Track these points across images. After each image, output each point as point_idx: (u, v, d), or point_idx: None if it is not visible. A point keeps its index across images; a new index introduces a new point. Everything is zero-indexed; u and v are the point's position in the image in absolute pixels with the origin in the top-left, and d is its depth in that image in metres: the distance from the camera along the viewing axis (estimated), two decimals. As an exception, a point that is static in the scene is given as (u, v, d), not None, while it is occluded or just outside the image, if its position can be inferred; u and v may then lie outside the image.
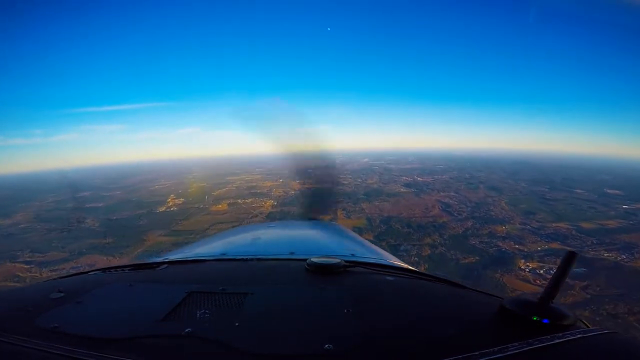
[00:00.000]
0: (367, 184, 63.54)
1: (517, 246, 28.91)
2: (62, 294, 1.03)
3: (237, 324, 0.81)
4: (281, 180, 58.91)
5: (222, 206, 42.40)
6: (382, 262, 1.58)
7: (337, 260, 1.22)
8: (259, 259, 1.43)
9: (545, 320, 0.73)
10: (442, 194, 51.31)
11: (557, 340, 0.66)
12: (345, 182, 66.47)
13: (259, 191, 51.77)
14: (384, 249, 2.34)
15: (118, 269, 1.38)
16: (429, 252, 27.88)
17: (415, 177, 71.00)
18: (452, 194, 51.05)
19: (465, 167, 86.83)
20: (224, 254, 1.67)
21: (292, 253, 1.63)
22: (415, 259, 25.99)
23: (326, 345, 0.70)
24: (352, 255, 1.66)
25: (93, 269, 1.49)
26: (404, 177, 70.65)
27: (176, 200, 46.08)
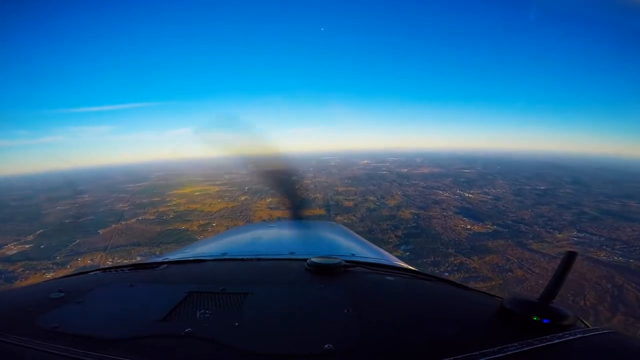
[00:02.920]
0: (390, 207, 34.75)
1: None
2: (62, 294, 1.02)
3: (237, 324, 0.80)
4: (244, 197, 43.00)
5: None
6: (382, 262, 1.55)
7: (337, 260, 1.20)
8: (259, 259, 1.41)
9: (545, 320, 0.72)
10: (565, 233, 25.06)
11: (557, 340, 0.65)
12: (349, 203, 36.83)
13: (195, 221, 33.45)
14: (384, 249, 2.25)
15: (118, 269, 1.36)
16: None
17: (458, 191, 43.18)
18: (585, 234, 25.11)
19: (503, 172, 62.20)
20: (224, 254, 1.64)
21: (292, 253, 1.60)
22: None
23: (326, 345, 0.69)
24: (352, 255, 1.64)
25: (93, 269, 1.47)
26: (441, 192, 42.81)
27: (22, 247, 28.87)
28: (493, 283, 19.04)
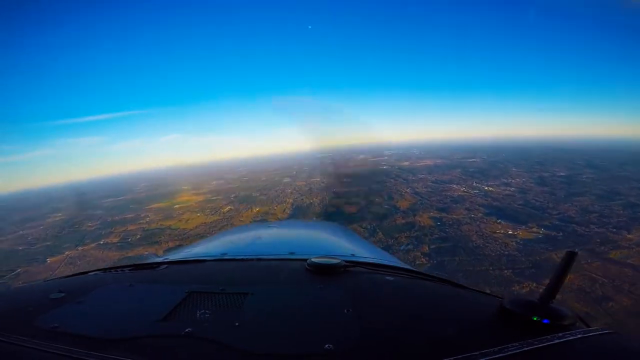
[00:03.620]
0: (403, 212, 29.18)
1: None
2: (62, 294, 1.02)
3: (237, 324, 0.80)
4: (228, 208, 38.01)
5: None
6: (382, 262, 1.54)
7: (337, 261, 1.20)
8: (259, 259, 1.41)
9: (545, 320, 0.72)
10: (635, 232, 20.11)
11: (557, 340, 0.65)
12: (352, 208, 30.52)
13: (163, 243, 27.69)
14: (384, 249, 2.29)
15: (118, 269, 1.36)
16: None
17: (474, 184, 37.73)
18: None
19: (511, 159, 57.52)
20: (224, 254, 1.63)
21: (292, 253, 1.58)
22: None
23: (326, 345, 0.69)
24: (352, 255, 1.62)
25: (93, 269, 1.47)
26: (455, 186, 37.44)
27: None
28: (598, 323, 13.10)
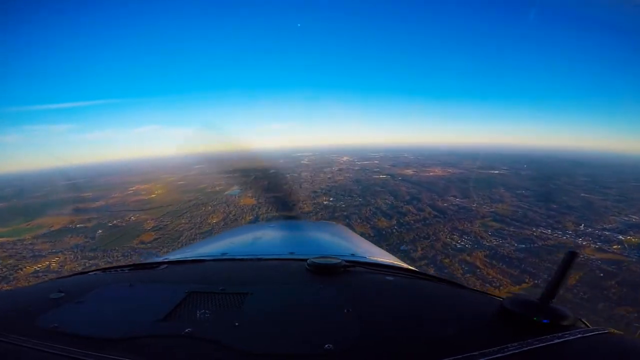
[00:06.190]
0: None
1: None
2: (62, 294, 1.03)
3: (237, 324, 0.81)
4: (39, 265, 26.13)
5: None
6: (382, 262, 1.54)
7: (337, 260, 1.20)
8: (259, 259, 1.41)
9: (545, 320, 0.72)
10: None
11: (557, 340, 0.65)
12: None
13: None
14: (384, 249, 2.19)
15: (118, 269, 1.36)
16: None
17: (584, 227, 15.36)
18: None
19: (546, 173, 41.04)
20: (224, 254, 1.63)
21: (292, 253, 1.59)
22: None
23: (326, 345, 0.69)
24: (352, 255, 1.63)
25: (93, 269, 1.45)
26: (541, 229, 14.83)
27: None
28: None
